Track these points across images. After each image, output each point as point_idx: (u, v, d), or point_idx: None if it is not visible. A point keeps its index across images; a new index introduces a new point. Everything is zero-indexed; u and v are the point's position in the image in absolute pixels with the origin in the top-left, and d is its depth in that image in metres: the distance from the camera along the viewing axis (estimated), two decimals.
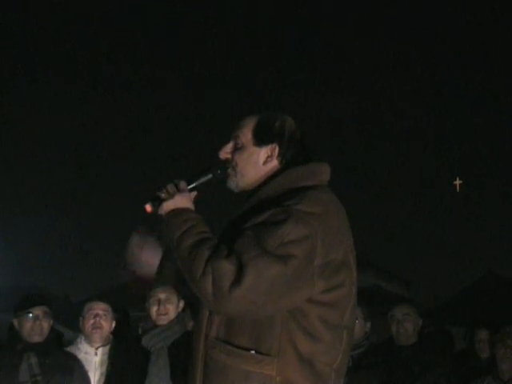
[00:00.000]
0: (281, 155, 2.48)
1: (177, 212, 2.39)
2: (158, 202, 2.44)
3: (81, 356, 4.39)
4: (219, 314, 2.29)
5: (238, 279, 2.15)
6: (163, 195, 2.44)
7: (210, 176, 2.52)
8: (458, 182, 20.61)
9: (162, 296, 4.26)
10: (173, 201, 2.41)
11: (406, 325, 4.77)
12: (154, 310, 4.27)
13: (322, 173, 2.48)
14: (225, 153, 2.53)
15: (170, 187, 2.45)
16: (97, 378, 4.36)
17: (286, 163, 2.48)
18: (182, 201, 2.42)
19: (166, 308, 4.25)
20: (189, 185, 2.49)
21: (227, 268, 2.16)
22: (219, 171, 2.52)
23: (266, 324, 2.26)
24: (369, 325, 4.79)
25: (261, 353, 2.25)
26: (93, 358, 4.40)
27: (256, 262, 2.15)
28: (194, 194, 2.50)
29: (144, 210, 2.47)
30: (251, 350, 2.26)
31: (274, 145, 2.48)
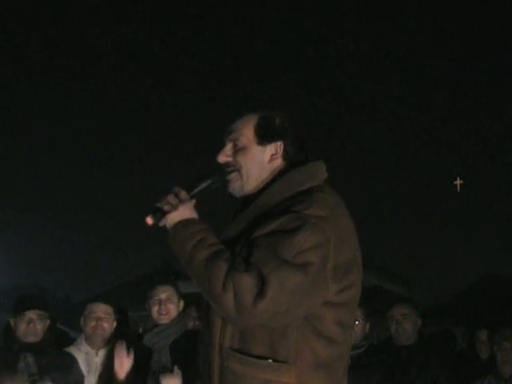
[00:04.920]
0: (285, 153, 2.42)
1: (184, 224, 2.30)
2: (159, 213, 2.33)
3: (82, 356, 4.39)
4: (241, 327, 2.24)
5: (260, 292, 2.11)
6: (166, 207, 2.33)
7: (209, 182, 2.41)
8: (458, 181, 20.63)
9: (163, 296, 4.26)
10: (177, 212, 2.32)
11: (405, 325, 4.73)
12: (155, 309, 4.27)
13: (321, 172, 2.43)
14: (225, 156, 2.44)
15: (172, 198, 2.34)
16: (98, 378, 4.36)
17: (289, 161, 2.42)
18: (186, 211, 2.33)
19: (167, 307, 4.25)
20: (188, 193, 2.38)
21: (248, 282, 2.12)
22: (218, 176, 2.43)
23: (280, 331, 2.22)
24: (368, 325, 4.79)
25: (278, 361, 2.22)
26: (94, 358, 4.40)
27: (277, 274, 2.12)
28: (193, 201, 2.38)
29: (145, 223, 2.35)
30: (268, 358, 2.22)
31: (278, 142, 2.42)
